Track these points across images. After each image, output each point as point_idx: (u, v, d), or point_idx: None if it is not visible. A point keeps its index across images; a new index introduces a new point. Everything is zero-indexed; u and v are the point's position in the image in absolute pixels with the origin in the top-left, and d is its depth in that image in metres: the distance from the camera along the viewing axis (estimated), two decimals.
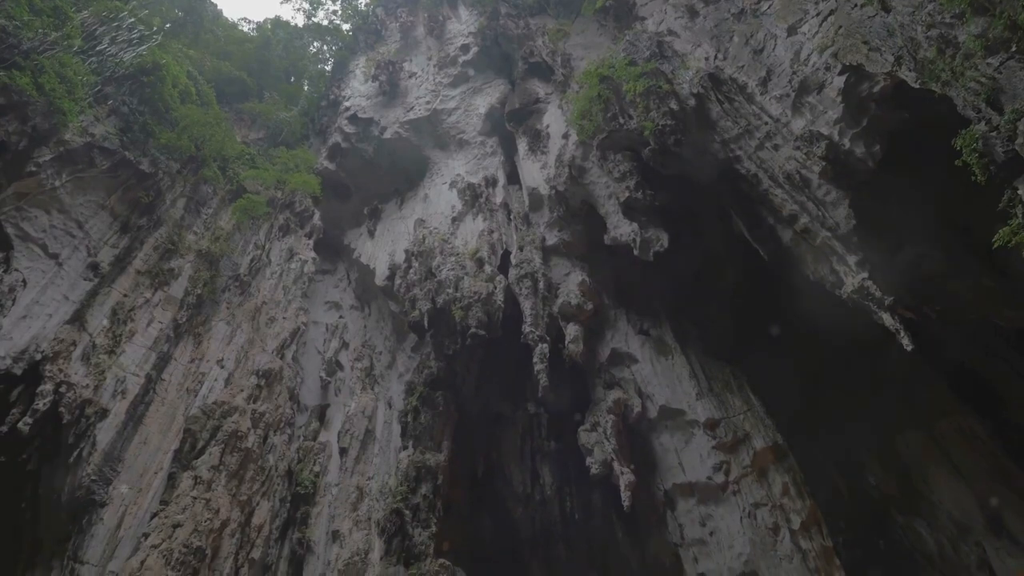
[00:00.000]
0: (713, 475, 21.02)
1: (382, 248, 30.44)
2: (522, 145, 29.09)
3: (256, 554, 20.36)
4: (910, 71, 13.37)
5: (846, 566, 18.70)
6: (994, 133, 11.68)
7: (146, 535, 17.40)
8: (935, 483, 19.80)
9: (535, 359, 22.41)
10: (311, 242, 29.77)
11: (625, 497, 20.18)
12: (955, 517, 19.19)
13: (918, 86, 13.33)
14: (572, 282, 25.11)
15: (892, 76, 14.37)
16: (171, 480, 18.86)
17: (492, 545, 24.37)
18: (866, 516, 20.81)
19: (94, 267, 20.13)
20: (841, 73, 15.47)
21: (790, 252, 18.59)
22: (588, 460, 21.52)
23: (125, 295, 20.72)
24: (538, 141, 28.41)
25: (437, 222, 28.50)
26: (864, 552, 19.80)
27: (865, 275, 16.46)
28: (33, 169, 19.01)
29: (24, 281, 18.54)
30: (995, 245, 12.11)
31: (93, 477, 17.69)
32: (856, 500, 21.22)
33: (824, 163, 16.44)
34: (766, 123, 18.00)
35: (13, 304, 17.82)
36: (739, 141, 18.87)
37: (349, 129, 33.24)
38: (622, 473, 20.56)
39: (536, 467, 25.41)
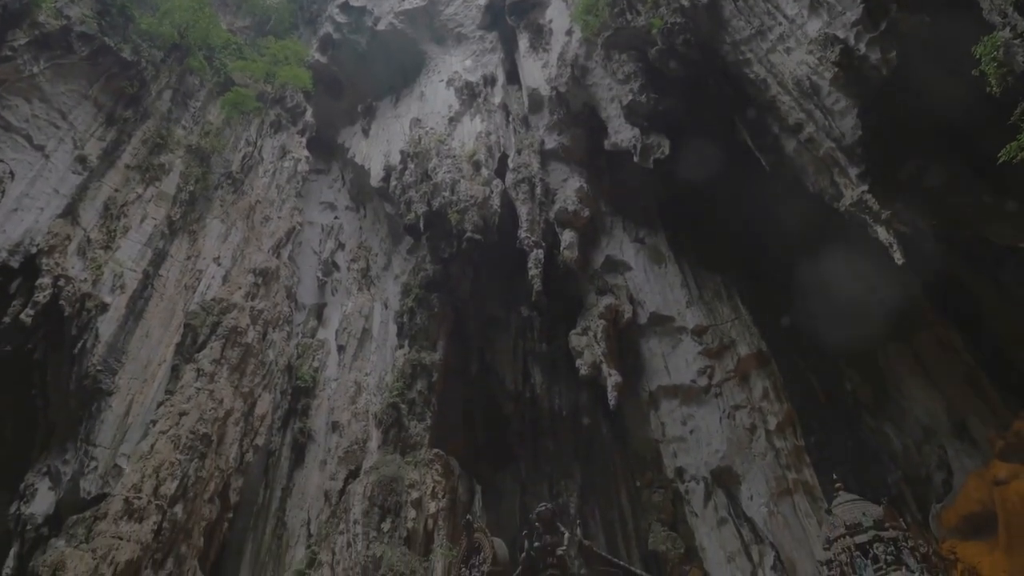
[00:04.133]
0: (697, 378, 21.94)
1: (377, 148, 29.77)
2: (523, 42, 27.75)
3: (260, 441, 21.52)
4: None
5: (815, 463, 19.99)
6: (1017, 41, 11.24)
7: (154, 422, 18.28)
8: (908, 390, 20.74)
9: (530, 264, 22.62)
10: (304, 140, 29.05)
11: (611, 397, 21.12)
12: (922, 421, 20.29)
13: None
14: (570, 188, 24.87)
15: None
16: (175, 372, 19.54)
17: (483, 438, 25.75)
18: (839, 419, 21.97)
19: (82, 160, 19.76)
20: None
21: (792, 163, 18.41)
22: (578, 362, 22.31)
23: (116, 190, 20.48)
24: (540, 38, 27.09)
25: (433, 122, 27.72)
26: (833, 451, 21.08)
27: (865, 188, 16.43)
28: (9, 53, 18.18)
29: (12, 173, 18.25)
30: (1000, 160, 11.98)
31: (98, 367, 18.29)
32: (831, 404, 22.31)
33: (837, 69, 15.95)
34: (780, 24, 17.28)
35: (3, 196, 17.64)
36: (750, 43, 18.11)
37: (341, 19, 31.41)
38: (610, 375, 21.39)
39: (527, 367, 26.37)
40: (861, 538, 12.72)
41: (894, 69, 15.25)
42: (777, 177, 19.49)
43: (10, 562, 15.91)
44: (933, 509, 19.11)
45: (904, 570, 11.83)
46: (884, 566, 12.04)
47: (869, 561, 12.28)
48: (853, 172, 16.56)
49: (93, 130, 20.31)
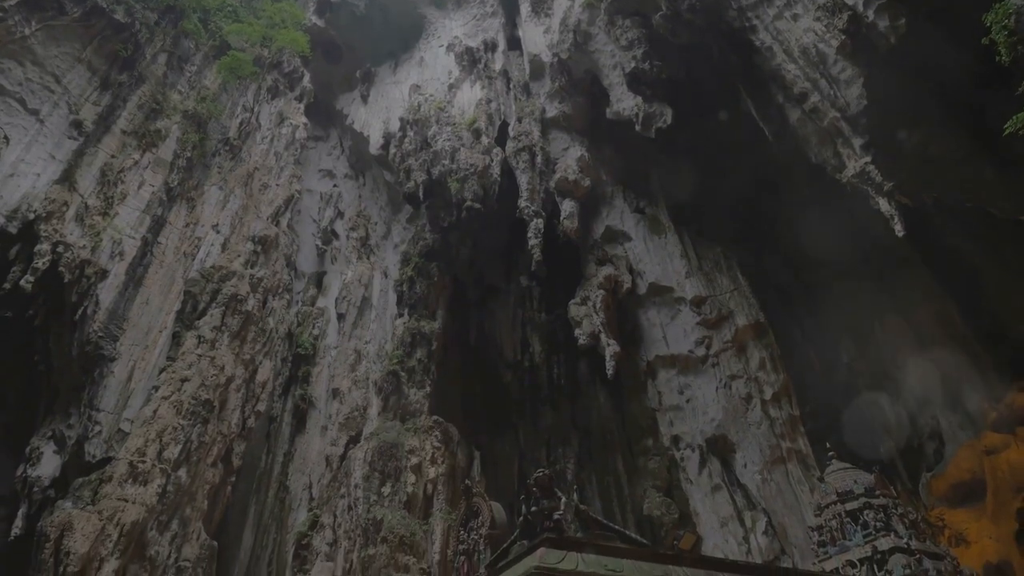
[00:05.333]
0: (695, 348, 22.10)
1: (376, 115, 29.38)
2: (525, 6, 27.17)
3: (261, 407, 21.77)
4: None
5: (808, 432, 20.29)
6: None
7: (156, 388, 18.45)
8: (904, 362, 20.94)
9: (529, 234, 22.57)
10: (302, 106, 28.63)
11: (610, 366, 21.30)
12: (917, 393, 20.54)
13: None
14: (571, 157, 24.65)
15: None
16: (175, 339, 19.65)
17: (482, 406, 26.05)
18: (834, 389, 22.23)
19: (77, 125, 19.53)
20: None
21: (795, 133, 18.24)
22: (577, 332, 22.44)
23: (113, 156, 20.29)
24: (542, 2, 26.52)
25: (433, 88, 27.32)
26: (827, 421, 21.38)
27: (868, 159, 16.33)
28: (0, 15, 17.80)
29: (6, 138, 18.06)
30: (1006, 132, 11.86)
31: (100, 334, 18.39)
32: (827, 375, 22.54)
33: (844, 36, 15.69)
34: None
35: None
36: (757, 9, 17.73)
37: None
38: (608, 344, 21.55)
39: (526, 336, 26.53)
40: (852, 505, 12.99)
41: (902, 37, 14.98)
42: (780, 147, 19.32)
43: (18, 522, 16.27)
44: (924, 478, 19.48)
45: (893, 536, 12.10)
46: (873, 532, 12.32)
47: (859, 527, 12.56)
48: (857, 143, 16.43)
49: (88, 94, 20.02)
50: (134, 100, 21.29)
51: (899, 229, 15.88)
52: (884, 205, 16.15)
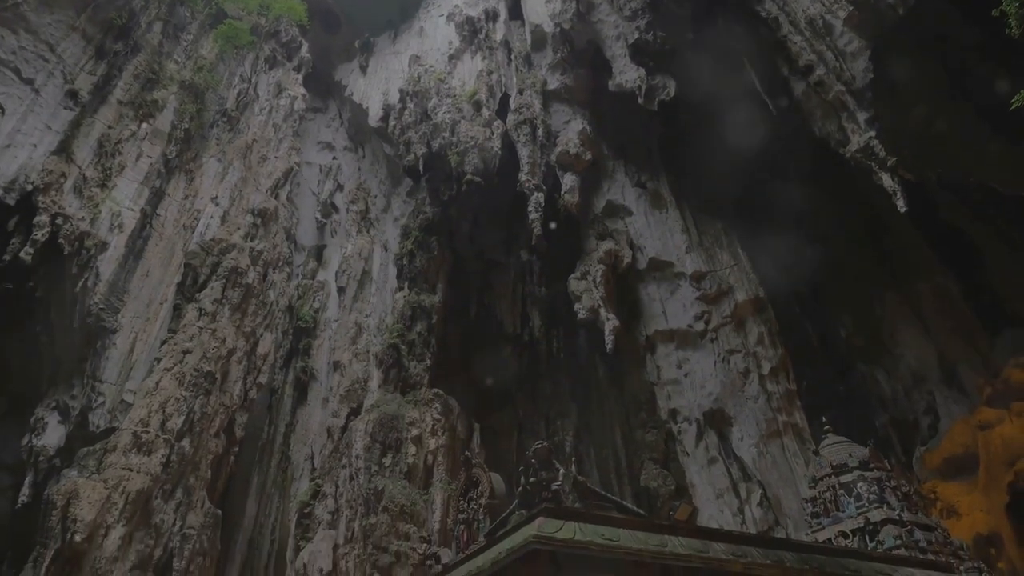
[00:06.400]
0: (694, 323, 22.19)
1: (375, 86, 29.02)
2: None
3: (263, 379, 21.95)
4: None
5: (805, 407, 20.49)
6: None
7: (158, 360, 18.59)
8: (902, 338, 21.03)
9: (530, 208, 22.46)
10: (300, 77, 28.27)
11: (609, 341, 21.40)
12: (913, 368, 20.67)
13: None
14: (572, 130, 24.40)
15: None
16: (176, 311, 19.73)
17: (482, 379, 26.23)
18: (831, 364, 22.38)
19: (73, 95, 19.29)
20: None
21: (800, 107, 18.04)
22: (576, 306, 22.49)
23: (110, 127, 20.09)
24: None
25: (433, 59, 26.93)
26: (824, 395, 21.56)
27: (872, 134, 16.21)
28: None
29: (2, 108, 17.85)
30: (1013, 105, 11.70)
31: (101, 306, 18.45)
32: (825, 349, 22.67)
33: (851, 7, 15.44)
34: None
35: None
36: None
37: None
38: (608, 319, 21.61)
39: (526, 311, 26.60)
40: (846, 478, 13.18)
41: (910, 8, 14.72)
42: (784, 121, 19.12)
43: (25, 490, 16.54)
44: (917, 451, 19.72)
45: (885, 507, 12.31)
46: (866, 504, 12.53)
47: (852, 499, 12.77)
48: (862, 117, 16.28)
49: (83, 63, 19.73)
50: (130, 70, 21.00)
51: (901, 205, 15.81)
52: (887, 181, 16.06)
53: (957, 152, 16.39)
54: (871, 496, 12.62)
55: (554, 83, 25.06)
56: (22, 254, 17.00)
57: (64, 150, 18.66)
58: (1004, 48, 11.80)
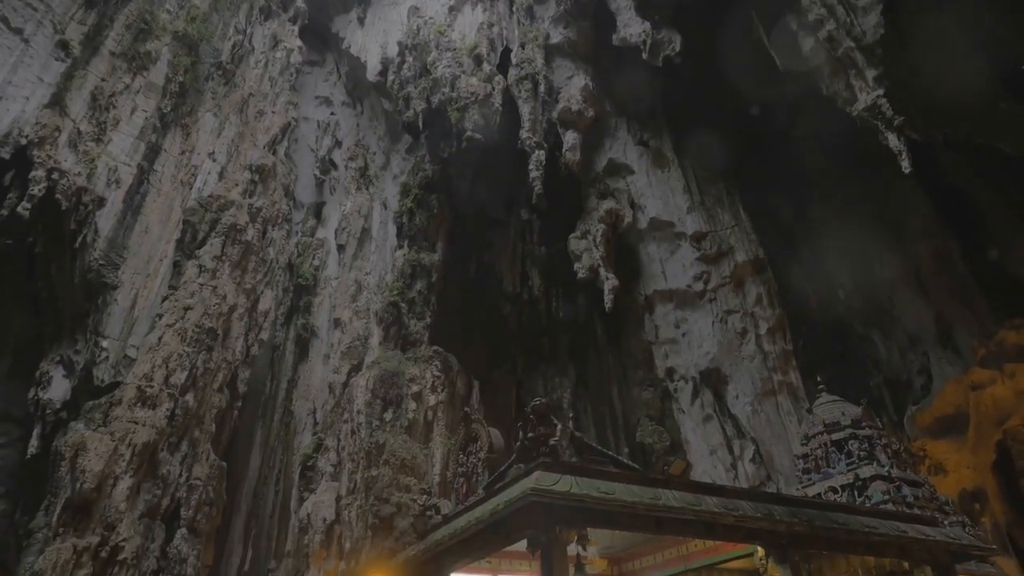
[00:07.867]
0: (693, 283, 22.24)
1: (373, 39, 28.27)
2: None
3: (264, 336, 22.15)
4: None
5: (801, 366, 20.73)
6: None
7: (160, 316, 18.72)
8: (899, 299, 21.12)
9: (531, 166, 22.21)
10: (296, 28, 27.57)
11: (608, 300, 21.49)
12: (909, 330, 20.83)
13: None
14: (575, 86, 23.90)
15: None
16: (176, 268, 19.76)
17: (482, 337, 26.47)
18: (828, 324, 22.54)
19: (64, 45, 18.83)
20: None
21: (807, 62, 17.64)
22: (576, 265, 22.50)
23: (103, 79, 19.68)
24: None
25: (433, 10, 26.17)
26: (820, 355, 21.80)
27: (880, 92, 15.91)
28: None
29: None
30: None
31: (100, 262, 18.45)
32: (823, 310, 22.79)
33: None
34: None
35: None
36: None
37: None
38: (607, 278, 21.65)
39: (526, 269, 26.63)
40: (838, 435, 13.47)
41: None
42: (791, 78, 18.75)
43: (34, 442, 16.90)
44: (909, 411, 20.06)
45: (875, 464, 12.62)
46: (857, 461, 12.84)
47: (843, 456, 13.08)
48: (870, 75, 15.97)
49: (72, 12, 19.18)
50: (121, 19, 20.44)
51: (906, 166, 15.65)
52: (892, 140, 15.85)
53: (965, 112, 16.11)
54: (861, 453, 12.92)
55: (557, 37, 24.44)
56: (19, 209, 16.90)
57: (57, 103, 18.33)
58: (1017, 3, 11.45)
